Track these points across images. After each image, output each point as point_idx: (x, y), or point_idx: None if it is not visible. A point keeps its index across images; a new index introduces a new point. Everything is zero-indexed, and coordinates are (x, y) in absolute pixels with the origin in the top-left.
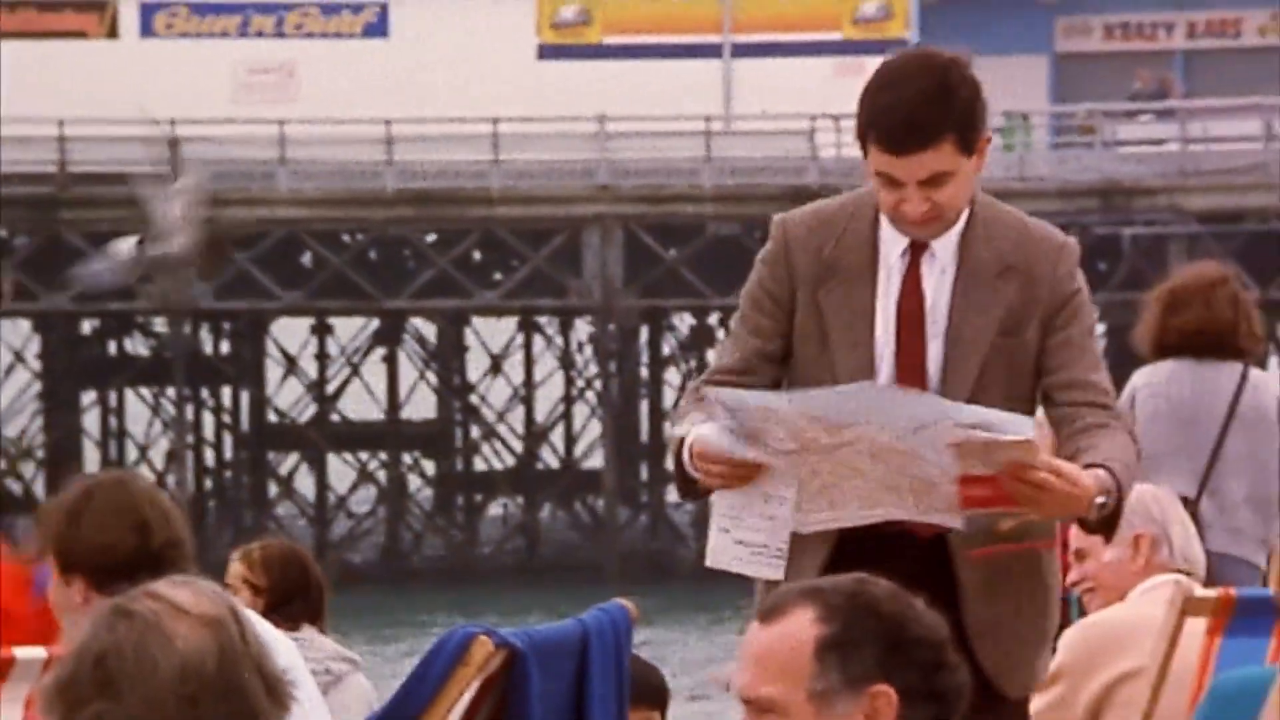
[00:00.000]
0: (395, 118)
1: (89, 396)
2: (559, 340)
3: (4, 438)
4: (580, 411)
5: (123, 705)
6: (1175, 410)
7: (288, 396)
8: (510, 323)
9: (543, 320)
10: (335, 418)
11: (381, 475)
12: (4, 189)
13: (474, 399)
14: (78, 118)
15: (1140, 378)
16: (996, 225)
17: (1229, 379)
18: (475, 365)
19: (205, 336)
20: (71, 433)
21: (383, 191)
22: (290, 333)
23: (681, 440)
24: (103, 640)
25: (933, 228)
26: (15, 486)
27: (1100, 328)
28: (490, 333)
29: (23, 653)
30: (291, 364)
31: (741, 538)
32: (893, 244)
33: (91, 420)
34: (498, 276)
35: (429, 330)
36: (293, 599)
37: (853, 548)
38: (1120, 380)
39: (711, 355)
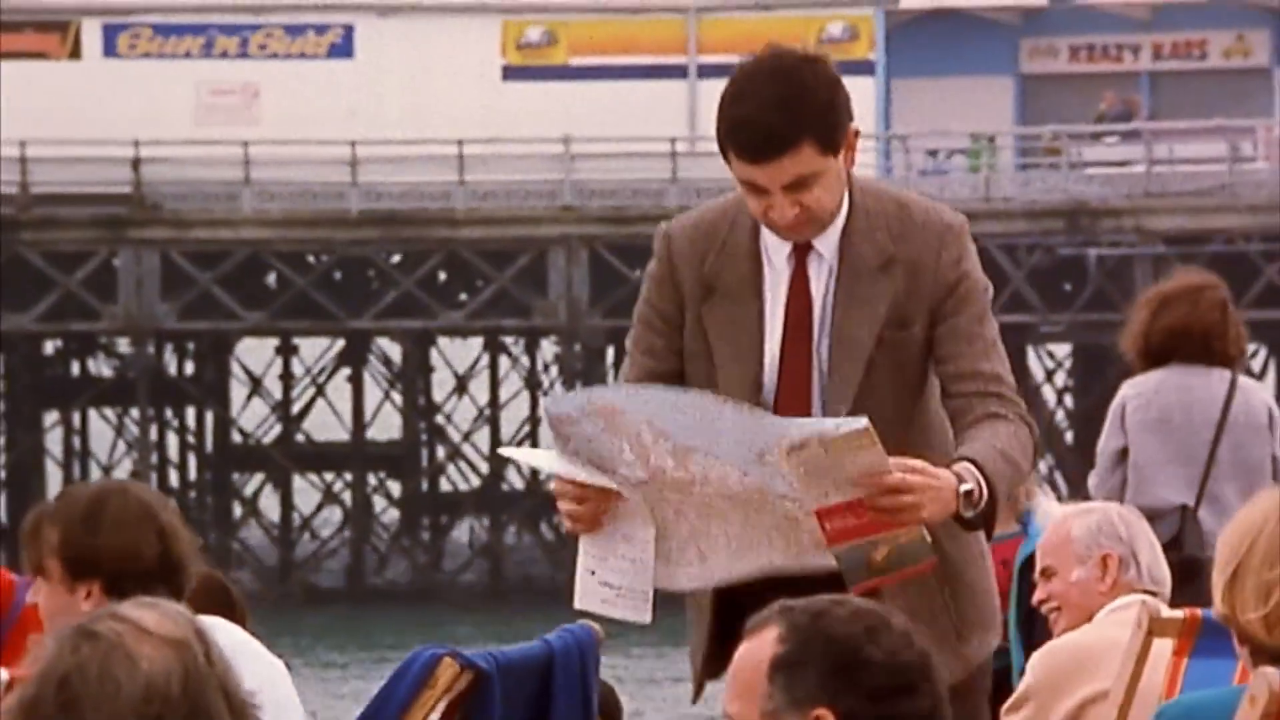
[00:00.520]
0: (360, 139)
1: (52, 417)
2: (525, 360)
3: None
4: (546, 432)
5: None
6: (1165, 419)
7: (252, 417)
8: (476, 343)
9: (508, 340)
10: (300, 438)
11: (347, 496)
12: None
13: (439, 419)
14: (40, 138)
15: (1129, 388)
16: (878, 216)
17: (1219, 385)
18: (441, 385)
19: (169, 357)
20: (34, 453)
21: (347, 212)
22: (255, 353)
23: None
24: (66, 661)
25: (807, 230)
26: None
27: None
28: (456, 353)
29: None
30: (256, 384)
31: (606, 579)
32: (778, 249)
33: (54, 440)
34: (463, 297)
35: (394, 351)
36: None
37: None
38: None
39: None
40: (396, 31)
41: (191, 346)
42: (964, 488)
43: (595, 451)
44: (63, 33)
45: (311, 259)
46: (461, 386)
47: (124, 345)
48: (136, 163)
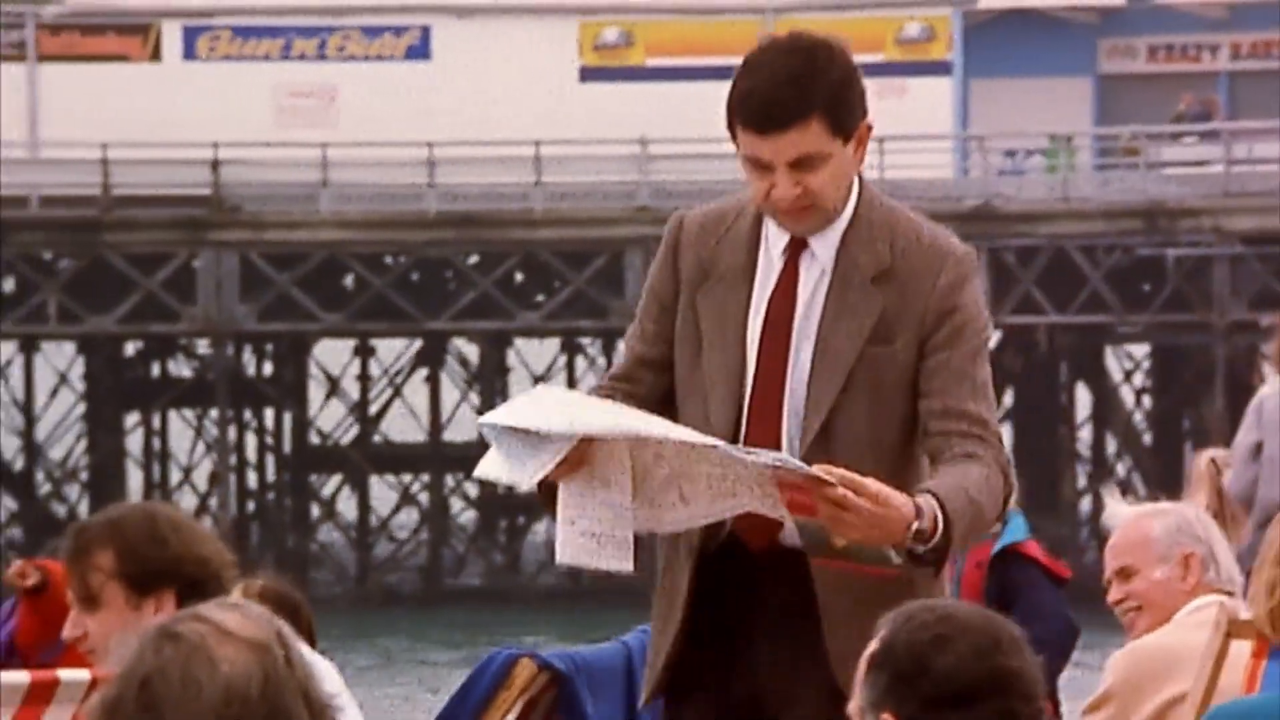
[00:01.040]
0: (437, 140)
1: (132, 418)
2: (601, 361)
3: (49, 460)
4: None
5: None
6: None
7: (330, 418)
8: (553, 344)
9: (585, 341)
10: (377, 439)
11: (424, 497)
12: (48, 212)
13: None
14: (121, 141)
15: (1268, 387)
16: (882, 228)
17: None
18: (518, 386)
19: (248, 358)
20: (115, 455)
21: (425, 214)
22: (332, 354)
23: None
24: (148, 662)
25: (807, 219)
26: (60, 509)
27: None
28: (532, 354)
29: (67, 674)
30: (334, 386)
31: (587, 528)
32: (776, 240)
33: (135, 442)
34: (540, 298)
35: (471, 352)
36: None
37: (714, 572)
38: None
39: None
40: (474, 33)
41: (270, 348)
42: (916, 525)
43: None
44: (144, 35)
45: (389, 260)
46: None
47: (203, 347)
48: (215, 165)
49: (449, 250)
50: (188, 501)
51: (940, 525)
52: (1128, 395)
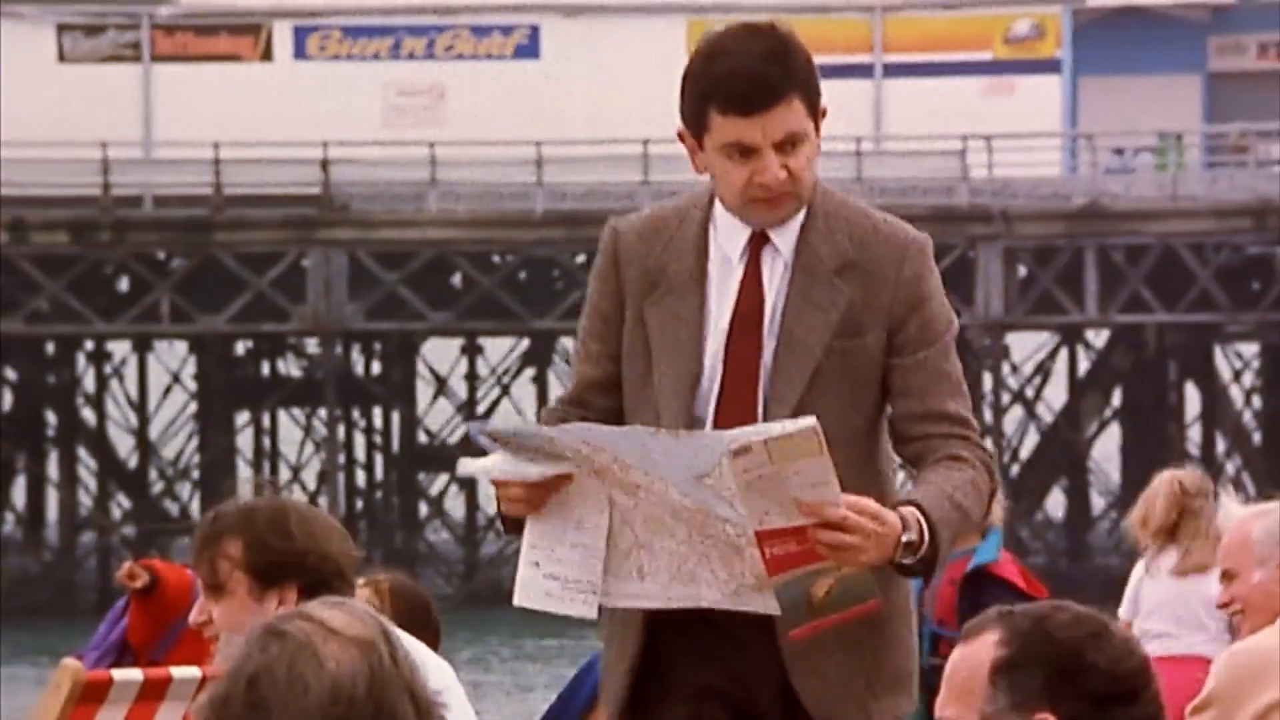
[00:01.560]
0: (545, 139)
1: (243, 417)
2: None
3: (161, 459)
4: None
5: None
6: None
7: (438, 417)
8: None
9: None
10: None
11: None
12: (160, 211)
13: None
14: (232, 140)
15: None
16: (838, 220)
17: None
18: None
19: (356, 357)
20: (226, 453)
21: (532, 213)
22: (440, 353)
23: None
24: (255, 661)
25: (785, 205)
26: (172, 507)
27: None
28: None
29: (179, 672)
30: (441, 384)
31: (552, 571)
32: (731, 241)
33: (245, 440)
34: None
35: None
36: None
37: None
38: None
39: None
40: (582, 31)
41: (378, 347)
42: (907, 536)
43: (537, 457)
44: (255, 35)
45: (497, 259)
46: None
47: (312, 346)
48: (325, 164)
49: (556, 249)
50: (295, 498)
51: (926, 536)
52: (1237, 394)
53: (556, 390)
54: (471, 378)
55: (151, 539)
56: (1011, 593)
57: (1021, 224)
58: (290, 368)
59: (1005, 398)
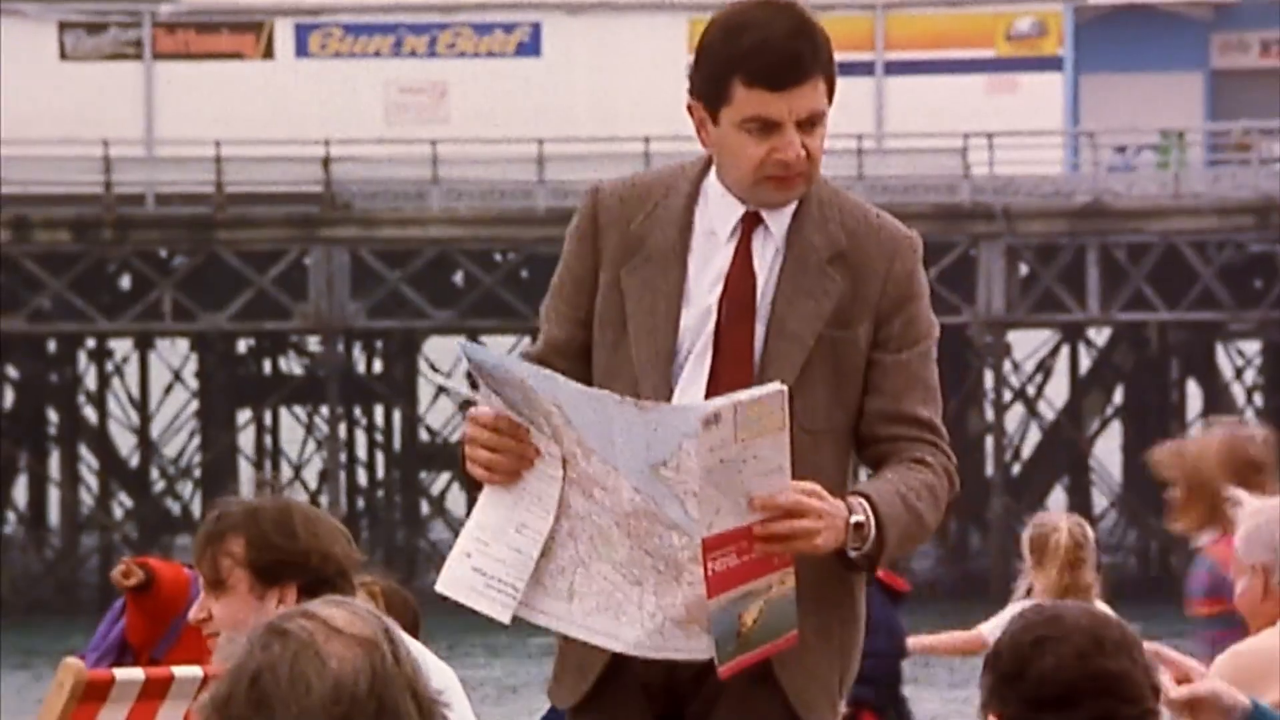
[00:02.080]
0: (547, 136)
1: (244, 415)
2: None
3: (163, 457)
4: None
5: None
6: None
7: (440, 415)
8: None
9: None
10: None
11: None
12: (162, 209)
13: None
14: (234, 138)
15: None
16: (832, 209)
17: None
18: None
19: (358, 355)
20: (228, 451)
21: (534, 210)
22: (442, 351)
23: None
24: (257, 659)
25: (797, 187)
26: (174, 505)
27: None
28: None
29: (181, 671)
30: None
31: (481, 565)
32: (721, 218)
33: (247, 439)
34: None
35: None
36: None
37: None
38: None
39: None
40: (584, 29)
41: (380, 345)
42: (855, 518)
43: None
44: (257, 33)
45: (499, 257)
46: None
47: (314, 344)
48: (327, 162)
49: (559, 247)
50: (298, 498)
51: (872, 528)
52: (1239, 393)
53: None
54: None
55: (153, 537)
56: (873, 586)
57: (1023, 222)
58: (292, 366)
59: (1007, 396)
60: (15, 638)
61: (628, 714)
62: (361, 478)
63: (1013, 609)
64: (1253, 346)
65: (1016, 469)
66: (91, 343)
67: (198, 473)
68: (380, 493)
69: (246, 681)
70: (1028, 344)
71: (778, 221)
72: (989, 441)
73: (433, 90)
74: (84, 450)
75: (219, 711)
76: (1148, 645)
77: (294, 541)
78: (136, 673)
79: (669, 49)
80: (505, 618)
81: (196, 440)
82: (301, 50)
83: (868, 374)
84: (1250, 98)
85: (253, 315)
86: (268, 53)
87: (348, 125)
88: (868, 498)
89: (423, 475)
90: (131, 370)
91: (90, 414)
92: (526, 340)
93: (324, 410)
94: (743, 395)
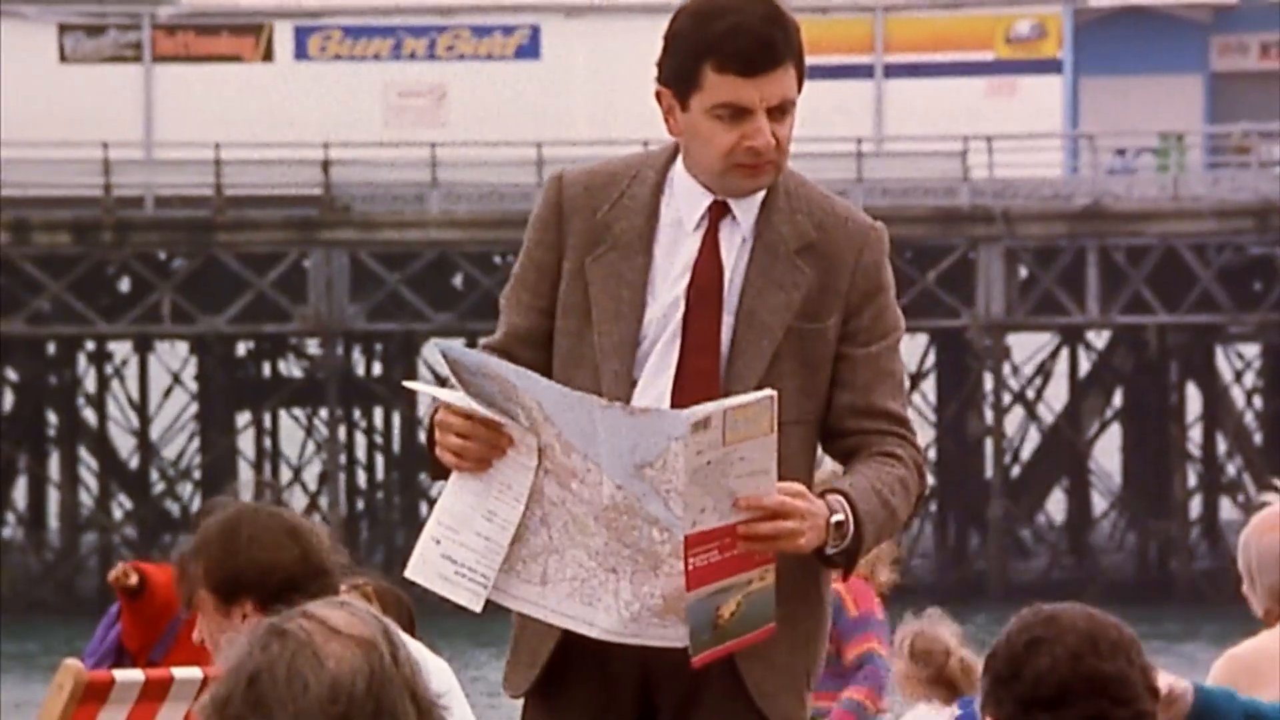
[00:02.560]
0: (546, 139)
1: (244, 417)
2: None
3: (162, 459)
4: None
5: None
6: None
7: None
8: None
9: None
10: None
11: None
12: (161, 212)
13: None
14: (233, 141)
15: None
16: (799, 199)
17: None
18: None
19: (358, 358)
20: (227, 454)
21: (533, 213)
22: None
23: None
24: (256, 659)
25: (766, 175)
26: (173, 507)
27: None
28: None
29: (181, 673)
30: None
31: (450, 553)
32: (688, 207)
33: (246, 441)
34: None
35: None
36: None
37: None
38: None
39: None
40: (583, 32)
41: (379, 347)
42: (836, 518)
43: (492, 406)
44: (256, 36)
45: (498, 260)
46: None
47: (314, 346)
48: (326, 164)
49: None
50: (298, 500)
51: (851, 526)
52: (1238, 395)
53: None
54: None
55: (153, 539)
56: None
57: (1023, 224)
58: (292, 368)
59: (1006, 398)
60: (15, 639)
61: (584, 698)
62: (361, 480)
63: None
64: (1252, 349)
65: (1016, 471)
66: (91, 345)
67: (197, 475)
68: (380, 494)
69: (244, 682)
70: (1027, 347)
71: (745, 211)
72: (988, 444)
73: (432, 93)
74: (83, 452)
75: (217, 712)
76: None
77: (236, 559)
78: (136, 674)
79: None
80: (476, 606)
81: (196, 442)
82: (301, 53)
83: (836, 367)
84: (1249, 100)
85: (252, 318)
86: (267, 55)
87: (347, 128)
88: (846, 496)
89: (422, 477)
90: (131, 372)
91: (90, 416)
92: None
93: (323, 412)
94: (731, 401)
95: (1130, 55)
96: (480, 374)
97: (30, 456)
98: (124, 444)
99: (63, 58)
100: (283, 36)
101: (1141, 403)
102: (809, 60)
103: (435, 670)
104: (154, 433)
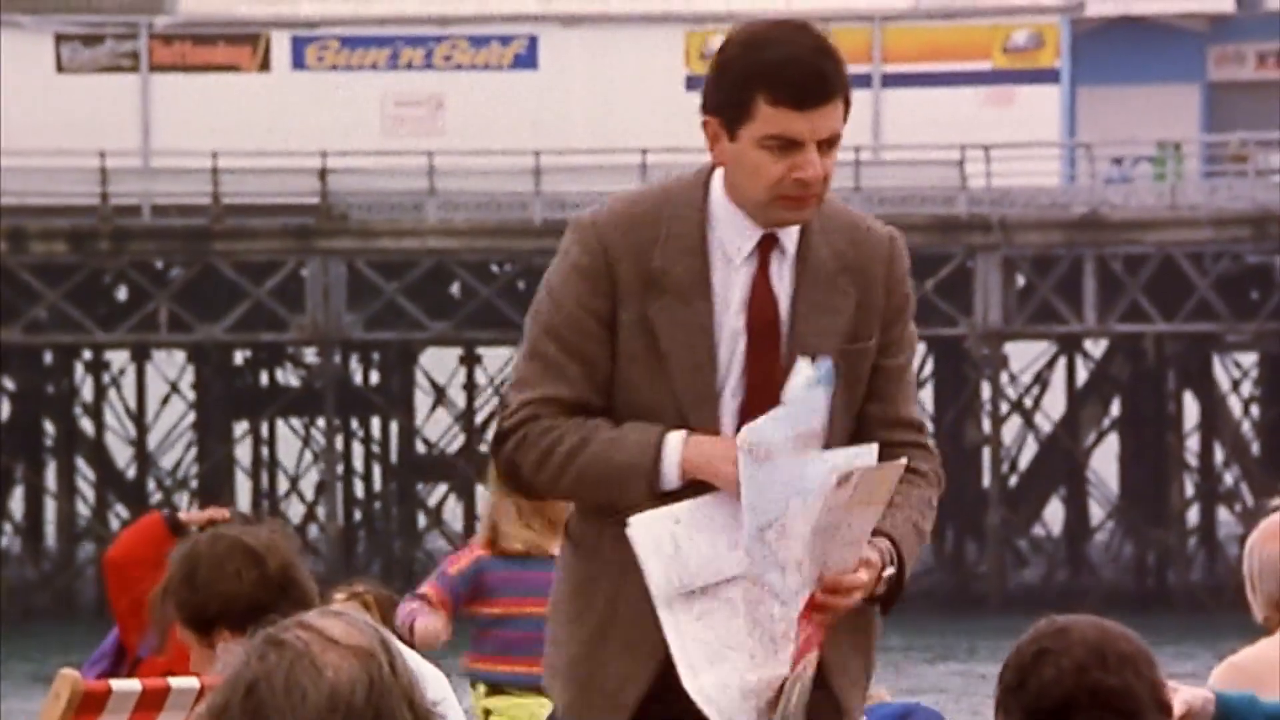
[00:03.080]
0: (543, 148)
1: (241, 427)
2: None
3: (159, 468)
4: None
5: None
6: None
7: (436, 427)
8: None
9: None
10: (484, 448)
11: None
12: (159, 221)
13: None
14: (231, 150)
15: None
16: (830, 219)
17: None
18: None
19: (355, 367)
20: (224, 463)
21: (531, 222)
22: (439, 363)
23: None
24: (254, 669)
25: (810, 207)
26: None
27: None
28: None
29: (178, 682)
30: (440, 394)
31: (681, 544)
32: (736, 242)
33: (243, 450)
34: None
35: None
36: None
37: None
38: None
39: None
40: (580, 42)
41: (377, 356)
42: (888, 573)
43: (758, 503)
44: (253, 45)
45: (495, 268)
46: None
47: (311, 355)
48: (323, 174)
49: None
50: (295, 510)
51: (894, 568)
52: (1236, 404)
53: None
54: (470, 387)
55: None
56: None
57: (1020, 233)
58: (289, 377)
59: (1004, 408)
60: (12, 649)
61: None
62: (358, 489)
63: None
64: (1249, 358)
65: (1014, 481)
66: (88, 354)
67: (194, 484)
68: (377, 504)
69: (242, 691)
70: (1025, 355)
71: (788, 239)
72: (986, 453)
73: (429, 102)
74: (80, 461)
75: None
76: None
77: (199, 594)
78: (133, 684)
79: (665, 61)
80: (656, 590)
81: (193, 452)
82: (298, 62)
83: (872, 380)
84: (1246, 109)
85: (249, 327)
86: (264, 65)
87: (344, 137)
88: (892, 540)
89: (419, 487)
90: (128, 382)
91: (87, 425)
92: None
93: (321, 422)
94: (871, 462)
95: (1127, 65)
96: (780, 454)
97: (27, 466)
98: (121, 453)
99: (59, 67)
100: (280, 46)
101: (1139, 412)
102: None
103: (431, 678)
104: (151, 442)
